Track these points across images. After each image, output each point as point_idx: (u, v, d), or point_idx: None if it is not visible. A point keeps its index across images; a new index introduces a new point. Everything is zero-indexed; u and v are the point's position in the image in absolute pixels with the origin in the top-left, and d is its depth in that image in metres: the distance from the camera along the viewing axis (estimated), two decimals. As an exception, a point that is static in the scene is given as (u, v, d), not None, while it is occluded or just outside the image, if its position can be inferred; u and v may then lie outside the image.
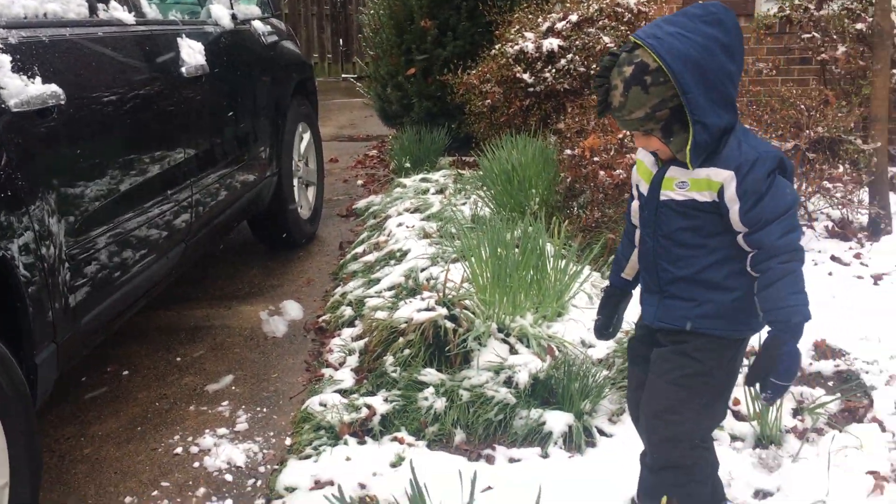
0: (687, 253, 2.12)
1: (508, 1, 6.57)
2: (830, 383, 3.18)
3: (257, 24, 4.83)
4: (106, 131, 2.91)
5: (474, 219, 4.63)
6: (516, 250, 3.37)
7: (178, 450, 3.06)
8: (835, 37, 5.65)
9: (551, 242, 3.48)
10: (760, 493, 2.56)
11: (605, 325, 2.39)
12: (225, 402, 3.41)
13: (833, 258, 4.25)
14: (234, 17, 4.36)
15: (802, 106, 4.28)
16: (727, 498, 2.37)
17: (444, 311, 3.20)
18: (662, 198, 2.11)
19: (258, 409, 3.36)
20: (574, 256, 3.56)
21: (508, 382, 3.00)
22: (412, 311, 3.24)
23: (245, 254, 5.36)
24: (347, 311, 4.03)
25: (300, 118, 5.37)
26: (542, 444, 2.81)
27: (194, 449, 3.06)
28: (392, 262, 4.33)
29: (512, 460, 2.77)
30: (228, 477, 2.89)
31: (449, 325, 3.17)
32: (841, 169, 4.44)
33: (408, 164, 6.46)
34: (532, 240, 3.33)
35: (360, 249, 4.93)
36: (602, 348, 3.28)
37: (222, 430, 3.18)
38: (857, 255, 4.27)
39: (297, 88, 5.28)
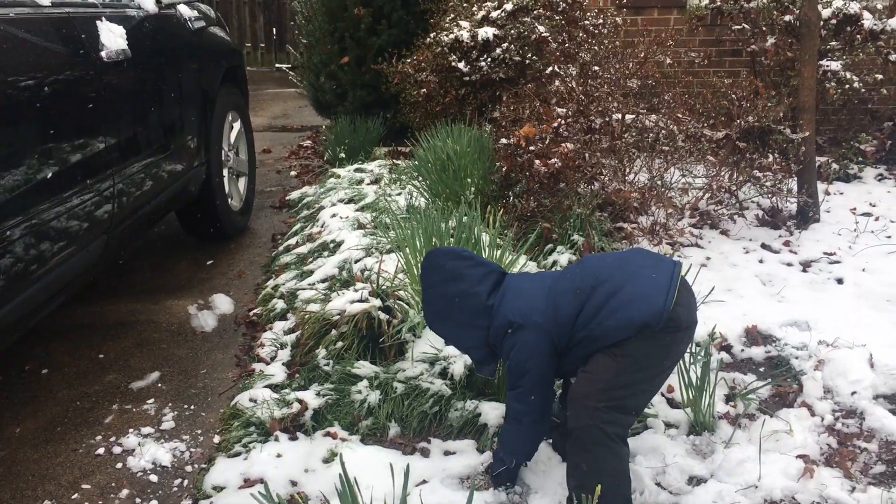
0: None
1: (442, -11, 6.49)
2: (762, 369, 3.22)
3: (183, 9, 4.67)
4: (19, 118, 2.75)
5: (409, 209, 4.57)
6: (451, 240, 3.31)
7: (100, 450, 2.93)
8: (764, 28, 5.75)
9: (487, 232, 3.44)
10: (694, 480, 2.56)
11: None
12: (150, 400, 3.28)
13: (763, 246, 4.32)
14: (158, 0, 4.21)
15: (734, 96, 4.33)
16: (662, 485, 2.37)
17: (377, 302, 3.13)
18: None
19: (185, 406, 3.24)
20: (510, 245, 3.53)
21: (444, 374, 2.95)
22: (345, 302, 3.16)
23: (173, 246, 5.20)
24: (279, 304, 3.93)
25: (230, 107, 5.23)
26: (477, 437, 2.77)
27: (117, 449, 2.93)
28: (325, 253, 4.24)
29: (447, 453, 2.72)
30: (153, 477, 2.77)
31: (383, 316, 3.10)
32: (770, 158, 4.51)
33: (343, 155, 6.36)
34: (468, 229, 3.28)
35: (292, 241, 4.82)
36: (538, 338, 3.25)
37: (147, 429, 3.06)
38: (787, 243, 4.34)
39: (226, 76, 5.13)
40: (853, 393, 2.94)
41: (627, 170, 4.26)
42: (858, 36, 5.66)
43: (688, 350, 3.01)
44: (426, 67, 5.98)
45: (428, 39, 5.87)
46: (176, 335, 3.91)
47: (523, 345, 2.30)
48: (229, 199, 5.15)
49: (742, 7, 6.04)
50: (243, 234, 5.44)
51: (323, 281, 3.99)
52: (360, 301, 3.14)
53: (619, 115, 4.38)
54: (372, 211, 4.73)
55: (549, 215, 4.02)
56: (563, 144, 4.20)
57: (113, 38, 3.51)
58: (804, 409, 2.86)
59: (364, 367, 2.99)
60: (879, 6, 5.72)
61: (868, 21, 5.73)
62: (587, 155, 4.16)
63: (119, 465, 2.84)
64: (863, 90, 5.48)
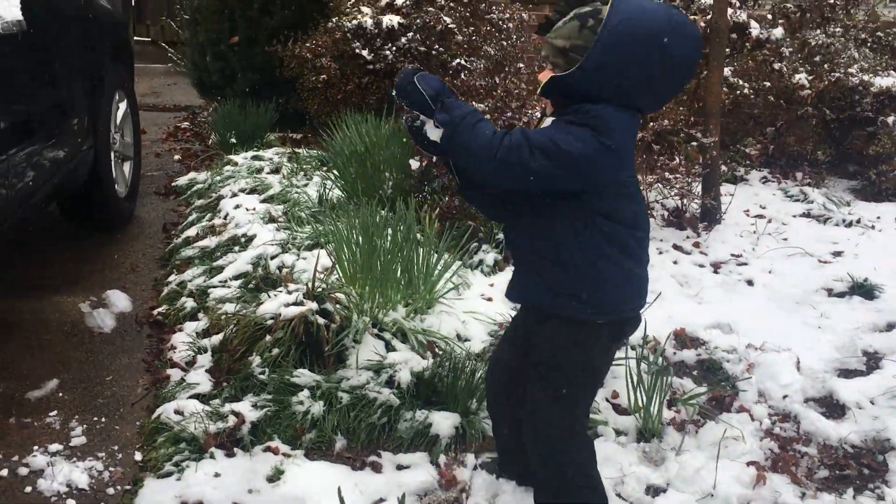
0: (524, 222, 2.11)
1: (340, -29, 6.26)
2: (695, 372, 3.27)
3: (71, -24, 4.24)
4: None
5: (321, 202, 4.37)
6: (388, 237, 3.16)
7: (3, 472, 2.60)
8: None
9: (420, 231, 3.31)
10: (652, 490, 2.55)
11: None
12: (53, 413, 2.95)
13: (675, 247, 4.41)
14: (47, -35, 3.79)
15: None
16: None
17: (314, 305, 2.95)
18: None
19: (94, 418, 2.93)
20: (440, 245, 3.42)
21: (390, 382, 2.81)
22: (279, 305, 2.95)
23: (52, 235, 4.74)
24: (189, 303, 3.65)
25: (117, 86, 4.82)
26: (429, 448, 2.65)
27: (23, 470, 2.61)
28: (236, 248, 3.98)
29: (400, 467, 2.59)
30: (71, 502, 2.49)
31: (321, 320, 2.92)
32: (677, 160, 4.61)
33: (233, 140, 6.02)
34: (407, 227, 3.15)
35: (192, 233, 4.50)
36: (478, 342, 3.17)
37: (55, 446, 2.74)
38: (696, 244, 4.46)
39: (114, 52, 4.73)
40: (785, 396, 3.04)
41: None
42: (747, 44, 5.90)
43: (628, 353, 3.02)
44: (326, 53, 5.75)
45: (330, 24, 5.63)
46: (70, 336, 3.55)
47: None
48: (116, 185, 4.76)
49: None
50: (130, 222, 5.05)
51: (236, 278, 3.74)
52: (296, 304, 2.95)
53: (539, 113, 4.35)
54: (279, 202, 4.48)
55: (473, 213, 3.94)
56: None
57: (6, 5, 3.12)
58: (745, 413, 2.92)
59: (304, 376, 2.80)
60: (769, 16, 5.98)
61: (755, 30, 5.98)
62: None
63: (28, 489, 2.53)
64: (752, 96, 5.72)
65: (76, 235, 4.73)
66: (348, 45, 5.54)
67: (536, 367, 2.18)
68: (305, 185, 4.76)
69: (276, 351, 2.86)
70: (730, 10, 5.97)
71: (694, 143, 4.68)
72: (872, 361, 3.31)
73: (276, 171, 5.24)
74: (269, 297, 3.01)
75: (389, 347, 2.99)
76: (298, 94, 6.28)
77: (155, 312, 3.74)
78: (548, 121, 2.08)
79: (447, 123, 1.95)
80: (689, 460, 2.62)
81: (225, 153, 6.09)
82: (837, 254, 4.43)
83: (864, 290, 3.88)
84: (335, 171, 4.42)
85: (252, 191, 4.79)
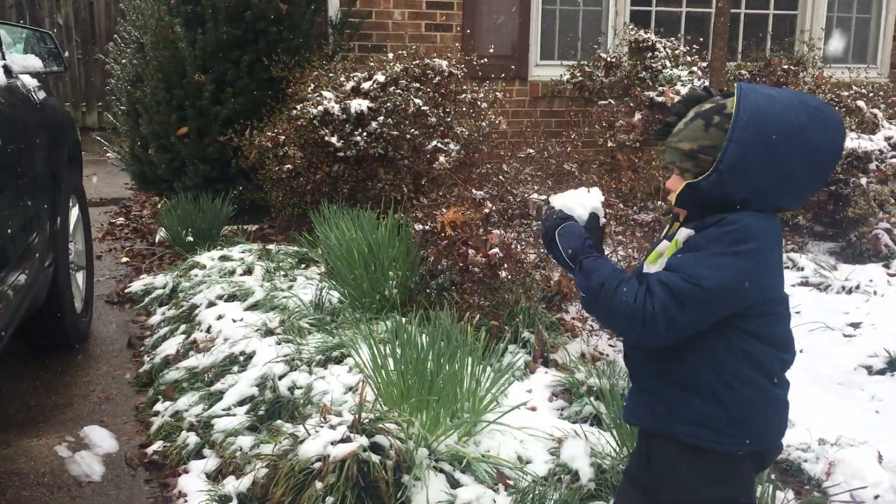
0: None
1: (294, 56, 5.97)
2: (773, 476, 3.01)
3: (27, 78, 3.82)
4: None
5: (319, 307, 3.99)
6: (430, 361, 2.82)
7: None
8: (632, 105, 5.81)
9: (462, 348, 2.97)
10: None
11: None
12: None
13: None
14: (7, 69, 3.37)
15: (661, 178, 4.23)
16: None
17: (364, 440, 2.57)
18: (643, 270, 1.88)
19: None
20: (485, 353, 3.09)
21: (470, 526, 2.44)
22: (324, 444, 2.55)
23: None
24: (191, 438, 3.20)
25: (72, 190, 4.37)
26: None
27: None
28: (235, 367, 3.55)
29: None
30: None
31: (375, 458, 2.54)
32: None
33: (190, 238, 5.58)
34: (451, 347, 2.81)
35: (170, 350, 4.04)
36: (540, 463, 2.83)
37: None
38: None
39: (69, 154, 4.28)
40: (877, 497, 2.81)
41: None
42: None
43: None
44: (289, 141, 5.42)
45: (294, 111, 5.31)
46: (55, 490, 3.04)
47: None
48: (74, 300, 4.26)
49: (603, 83, 6.11)
50: (87, 339, 4.53)
51: (240, 404, 3.32)
52: (343, 441, 2.56)
53: (538, 196, 4.12)
54: (267, 310, 4.07)
55: (494, 311, 3.64)
56: (492, 231, 3.85)
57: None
58: (848, 523, 2.68)
59: (371, 529, 2.41)
60: (724, 88, 6.00)
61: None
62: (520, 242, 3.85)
63: None
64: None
65: (28, 361, 4.19)
66: (315, 132, 5.22)
67: None
68: (290, 288, 4.36)
69: (330, 500, 2.45)
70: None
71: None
72: (948, 447, 3.13)
73: (248, 272, 4.82)
74: (312, 434, 2.61)
75: (451, 481, 2.62)
76: (255, 186, 5.91)
77: (149, 451, 3.26)
78: (683, 233, 1.83)
79: (586, 290, 1.82)
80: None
81: (180, 252, 5.63)
82: (856, 325, 4.31)
83: (902, 365, 3.75)
84: (324, 272, 4.05)
85: (231, 297, 4.36)
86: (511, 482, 2.64)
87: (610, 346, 3.83)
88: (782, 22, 8.00)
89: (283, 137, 5.45)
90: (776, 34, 7.85)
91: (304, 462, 2.53)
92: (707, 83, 6.02)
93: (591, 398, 3.18)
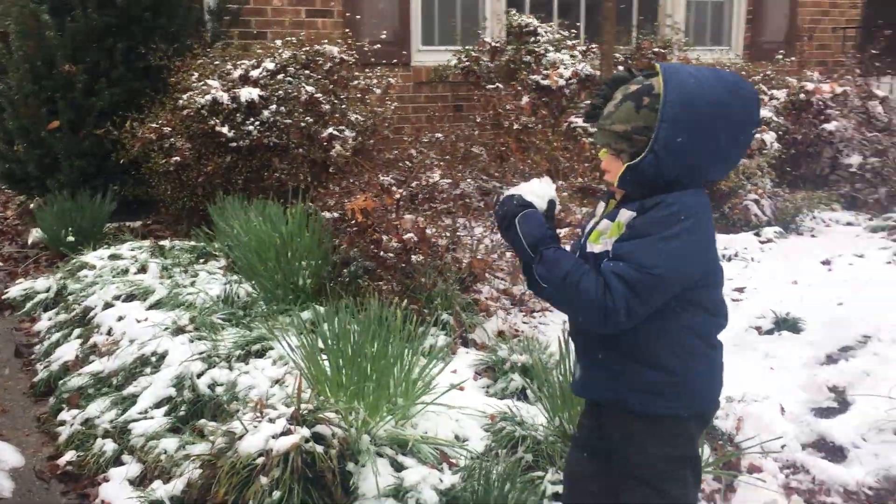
0: None
1: (172, 44, 5.75)
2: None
3: None
4: None
5: (228, 301, 3.89)
6: (374, 346, 2.81)
7: None
8: (520, 88, 5.94)
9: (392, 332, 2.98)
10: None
11: None
12: None
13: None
14: None
15: (561, 158, 4.35)
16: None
17: (305, 431, 2.54)
18: (587, 249, 1.95)
19: None
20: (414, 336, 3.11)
21: (417, 508, 2.46)
22: (265, 438, 2.51)
23: None
24: (108, 445, 3.06)
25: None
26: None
27: None
28: (148, 369, 3.41)
29: None
30: None
31: (319, 448, 2.51)
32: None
33: (71, 238, 5.29)
34: (385, 330, 2.82)
35: (68, 356, 3.83)
36: (476, 440, 2.88)
37: None
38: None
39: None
40: (783, 447, 3.02)
41: (468, 236, 4.05)
42: (596, 94, 6.10)
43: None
44: (176, 132, 5.23)
45: (180, 101, 5.12)
46: (-39, 512, 2.84)
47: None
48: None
49: (489, 68, 6.21)
50: (-32, 351, 4.24)
51: (157, 406, 3.20)
52: (284, 434, 2.52)
53: (446, 180, 4.17)
54: (172, 307, 3.93)
55: (412, 295, 3.65)
56: (404, 216, 3.87)
57: None
58: (756, 472, 2.86)
59: (323, 520, 2.38)
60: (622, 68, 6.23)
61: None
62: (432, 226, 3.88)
63: None
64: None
65: None
66: (204, 122, 5.06)
67: (629, 473, 1.98)
68: (193, 283, 4.22)
69: (276, 495, 2.41)
70: (579, 65, 6.17)
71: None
72: (840, 397, 3.40)
73: (143, 270, 4.63)
74: (251, 428, 2.55)
75: (395, 465, 2.63)
76: (138, 180, 5.66)
77: (61, 462, 3.10)
78: (625, 215, 1.88)
79: (547, 280, 1.86)
80: (743, 535, 2.51)
81: (62, 252, 5.33)
82: (740, 290, 4.60)
83: (788, 324, 4.02)
84: (234, 265, 3.95)
85: (130, 297, 4.18)
86: (454, 461, 2.68)
87: (524, 323, 3.93)
88: (649, 7, 8.39)
89: (169, 129, 5.25)
90: (644, 19, 8.22)
91: (245, 458, 2.48)
92: (588, 66, 6.24)
93: (516, 374, 3.26)
